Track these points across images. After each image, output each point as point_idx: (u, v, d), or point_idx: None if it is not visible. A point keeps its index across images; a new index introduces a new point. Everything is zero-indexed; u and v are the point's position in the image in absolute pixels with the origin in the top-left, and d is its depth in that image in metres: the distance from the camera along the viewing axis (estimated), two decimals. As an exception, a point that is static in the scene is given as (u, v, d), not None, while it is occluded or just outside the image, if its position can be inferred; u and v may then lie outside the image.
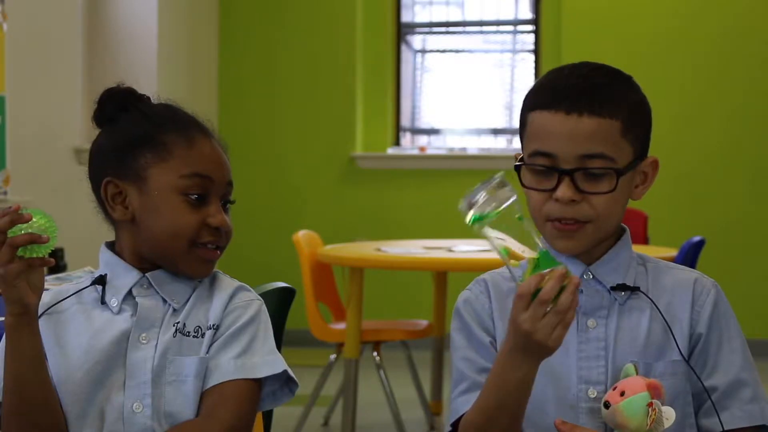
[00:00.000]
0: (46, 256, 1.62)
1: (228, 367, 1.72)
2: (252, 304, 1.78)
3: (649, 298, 1.75)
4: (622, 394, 1.63)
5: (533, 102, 1.76)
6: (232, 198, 1.80)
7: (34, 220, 1.60)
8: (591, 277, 1.75)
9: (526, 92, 1.81)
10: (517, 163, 1.76)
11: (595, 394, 1.72)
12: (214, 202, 1.76)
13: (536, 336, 1.55)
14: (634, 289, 1.75)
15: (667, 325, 1.73)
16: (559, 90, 1.73)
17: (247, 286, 1.82)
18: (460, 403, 1.75)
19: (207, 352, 1.73)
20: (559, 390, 1.73)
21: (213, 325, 1.75)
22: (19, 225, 1.60)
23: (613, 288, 1.75)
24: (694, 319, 1.75)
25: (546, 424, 1.70)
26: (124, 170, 1.76)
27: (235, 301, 1.77)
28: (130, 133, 1.77)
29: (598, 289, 1.75)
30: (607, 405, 1.65)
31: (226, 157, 1.80)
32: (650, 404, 1.62)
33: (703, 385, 1.72)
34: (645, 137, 1.77)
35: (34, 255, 1.61)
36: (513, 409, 1.63)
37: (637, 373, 1.67)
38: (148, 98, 1.84)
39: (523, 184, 1.75)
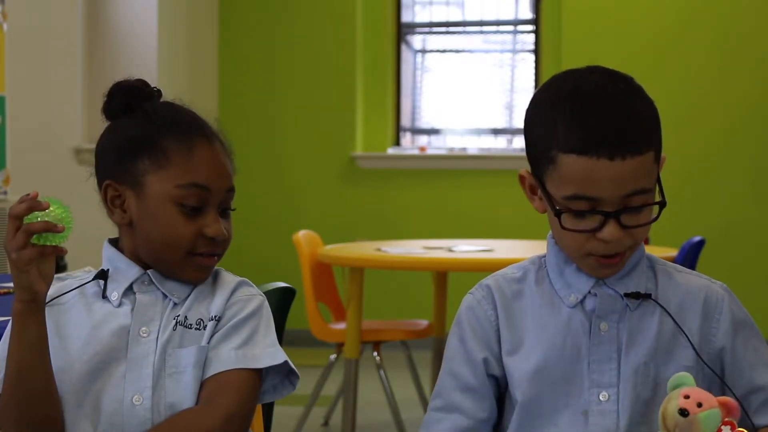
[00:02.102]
0: (60, 246, 1.63)
1: (229, 357, 1.72)
2: (254, 298, 1.78)
3: (660, 305, 1.73)
4: (700, 405, 1.58)
5: (564, 143, 1.66)
6: (233, 204, 1.79)
7: (51, 208, 1.61)
8: (603, 283, 1.74)
9: (540, 116, 1.72)
10: (558, 210, 1.69)
11: (607, 397, 1.71)
12: (212, 212, 1.75)
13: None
14: (646, 297, 1.74)
15: (680, 329, 1.72)
16: (596, 133, 1.65)
17: (250, 281, 1.82)
18: (433, 420, 1.76)
19: (208, 343, 1.73)
20: (571, 397, 1.71)
21: (215, 317, 1.75)
22: (36, 212, 1.60)
23: (626, 295, 1.73)
24: (712, 334, 1.74)
25: None
26: (123, 174, 1.76)
27: (237, 294, 1.78)
28: (130, 135, 1.77)
29: (611, 294, 1.74)
30: (684, 413, 1.58)
31: (228, 162, 1.79)
32: (731, 423, 1.56)
33: (734, 394, 1.70)
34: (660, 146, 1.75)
35: (48, 243, 1.61)
36: None
37: (695, 384, 1.62)
38: (159, 92, 1.82)
39: (563, 227, 1.69)
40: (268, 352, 1.74)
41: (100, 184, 1.79)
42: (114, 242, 1.81)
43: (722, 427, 1.57)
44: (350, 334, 4.38)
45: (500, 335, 1.76)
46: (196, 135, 1.77)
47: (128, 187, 1.75)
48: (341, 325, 4.66)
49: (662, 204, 1.69)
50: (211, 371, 1.72)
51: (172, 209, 1.73)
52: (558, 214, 1.69)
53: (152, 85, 1.82)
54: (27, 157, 5.18)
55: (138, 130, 1.76)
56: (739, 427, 1.58)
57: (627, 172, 1.65)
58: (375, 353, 4.64)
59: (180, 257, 1.74)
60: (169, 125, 1.76)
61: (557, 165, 1.68)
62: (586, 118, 1.67)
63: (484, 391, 1.75)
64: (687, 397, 1.59)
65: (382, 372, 4.60)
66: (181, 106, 1.82)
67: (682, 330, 1.72)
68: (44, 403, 1.68)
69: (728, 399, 1.60)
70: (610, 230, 1.66)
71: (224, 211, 1.78)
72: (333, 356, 4.70)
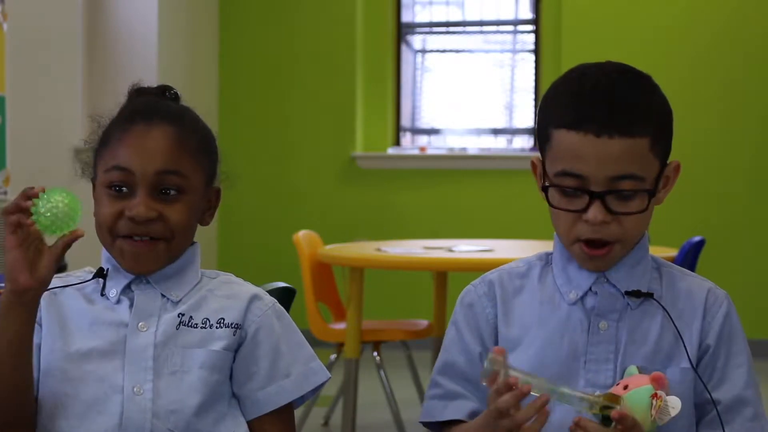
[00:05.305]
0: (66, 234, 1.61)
1: (275, 394, 1.77)
2: (271, 315, 1.79)
3: (662, 306, 1.73)
4: (626, 387, 1.63)
5: (557, 119, 1.69)
6: (173, 188, 1.73)
7: (59, 198, 1.59)
8: (606, 280, 1.74)
9: (544, 99, 1.76)
10: (545, 185, 1.71)
11: None
12: (140, 194, 1.72)
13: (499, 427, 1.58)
14: (648, 296, 1.73)
15: (678, 334, 1.72)
16: (586, 109, 1.67)
17: (260, 291, 1.82)
18: (436, 407, 1.77)
19: (223, 347, 1.74)
20: None
21: (233, 324, 1.75)
22: (38, 207, 1.59)
23: (627, 293, 1.73)
24: (705, 330, 1.74)
25: (548, 428, 1.70)
26: (93, 173, 1.79)
27: (254, 311, 1.77)
28: (101, 134, 1.80)
29: (612, 292, 1.74)
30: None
31: (169, 144, 1.73)
32: (654, 395, 1.61)
33: (711, 396, 1.71)
34: (669, 144, 1.74)
35: (57, 233, 1.60)
36: None
37: (640, 373, 1.67)
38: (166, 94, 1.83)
39: (551, 205, 1.71)
40: (308, 371, 1.79)
41: None
42: None
43: (653, 401, 1.61)
44: (350, 334, 4.38)
45: (498, 332, 1.77)
46: (139, 118, 1.75)
47: (95, 182, 1.78)
48: (341, 325, 4.66)
49: (650, 192, 1.68)
50: (264, 410, 1.76)
51: (104, 193, 1.74)
52: (544, 189, 1.71)
53: (172, 90, 1.83)
54: (27, 157, 5.18)
55: (107, 128, 1.79)
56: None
57: (614, 152, 1.65)
58: (375, 353, 4.64)
59: (109, 241, 1.74)
60: (121, 117, 1.78)
61: (552, 141, 1.70)
62: (581, 96, 1.69)
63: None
64: (618, 384, 1.65)
65: (382, 372, 4.60)
66: (157, 99, 1.81)
67: (680, 335, 1.72)
68: (11, 400, 1.64)
69: (657, 373, 1.63)
70: (594, 211, 1.66)
71: (164, 195, 1.74)
72: (333, 356, 4.70)
